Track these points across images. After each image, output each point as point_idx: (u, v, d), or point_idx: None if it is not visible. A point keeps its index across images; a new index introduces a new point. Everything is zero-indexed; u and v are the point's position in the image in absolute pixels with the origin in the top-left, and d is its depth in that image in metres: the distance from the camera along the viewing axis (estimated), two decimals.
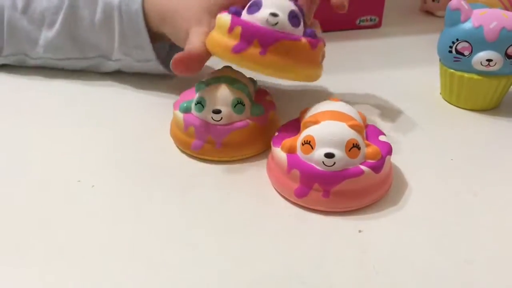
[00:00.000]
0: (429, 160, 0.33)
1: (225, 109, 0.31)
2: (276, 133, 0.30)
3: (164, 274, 0.24)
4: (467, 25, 0.36)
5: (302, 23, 0.31)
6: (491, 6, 0.46)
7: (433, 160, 0.33)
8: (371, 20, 0.57)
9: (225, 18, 0.30)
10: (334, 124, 0.27)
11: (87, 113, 0.39)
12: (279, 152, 0.29)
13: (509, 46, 0.35)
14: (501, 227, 0.27)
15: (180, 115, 0.32)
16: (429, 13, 0.63)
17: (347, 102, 0.31)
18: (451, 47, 0.37)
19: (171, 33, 0.36)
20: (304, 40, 0.29)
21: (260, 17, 0.29)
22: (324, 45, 0.32)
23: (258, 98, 0.34)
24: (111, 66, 0.42)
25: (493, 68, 0.36)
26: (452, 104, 0.40)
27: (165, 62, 0.40)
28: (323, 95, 0.41)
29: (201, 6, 0.35)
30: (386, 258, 0.25)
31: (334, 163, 0.26)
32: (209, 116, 0.31)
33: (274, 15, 0.29)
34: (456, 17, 0.37)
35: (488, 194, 0.29)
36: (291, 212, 0.28)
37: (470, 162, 0.33)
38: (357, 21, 0.56)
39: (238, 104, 0.31)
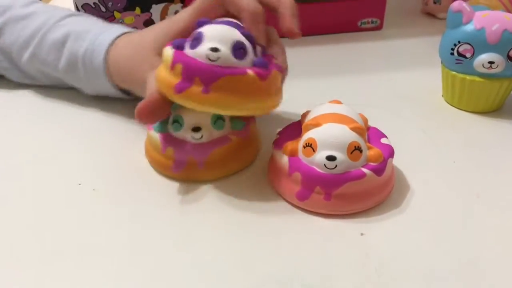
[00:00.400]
0: (431, 162, 0.33)
1: (205, 126, 0.29)
2: (278, 136, 0.30)
3: (164, 277, 0.24)
4: (469, 27, 0.36)
5: (250, 53, 0.28)
6: (492, 8, 0.47)
7: (435, 162, 0.33)
8: (372, 22, 0.57)
9: (167, 53, 0.28)
10: (335, 127, 0.27)
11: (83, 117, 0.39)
12: (280, 155, 0.29)
13: (511, 48, 0.35)
14: (504, 229, 0.27)
15: (156, 135, 0.30)
16: (431, 15, 0.63)
17: (349, 104, 0.31)
18: (453, 49, 0.37)
19: (135, 91, 0.35)
20: (250, 72, 0.27)
21: (200, 53, 0.27)
22: (282, 71, 0.30)
23: None
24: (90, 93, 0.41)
25: (495, 70, 0.36)
26: (454, 106, 0.40)
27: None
28: (325, 97, 0.41)
29: (151, 50, 0.32)
30: (388, 261, 0.25)
31: (336, 165, 0.26)
32: (188, 135, 0.29)
33: (214, 50, 0.26)
34: (458, 19, 0.37)
35: (490, 196, 0.29)
36: (292, 215, 0.28)
37: (473, 164, 0.33)
38: (359, 23, 0.56)
39: (218, 120, 0.29)
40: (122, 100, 0.40)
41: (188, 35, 0.29)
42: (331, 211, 0.27)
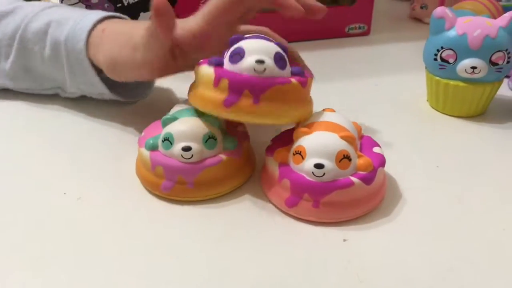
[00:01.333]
0: (415, 167, 0.33)
1: (196, 146, 0.28)
2: (270, 143, 0.31)
3: (151, 286, 0.24)
4: (452, 33, 0.37)
5: (287, 63, 0.29)
6: (477, 12, 0.48)
7: (418, 167, 0.33)
8: (360, 28, 0.57)
9: (207, 71, 0.28)
10: (325, 135, 0.28)
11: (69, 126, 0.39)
12: (271, 162, 0.29)
13: (493, 54, 0.36)
14: (486, 234, 0.27)
15: (147, 153, 0.29)
16: (418, 20, 0.64)
17: (336, 110, 0.31)
18: (436, 54, 0.38)
19: (120, 69, 0.33)
20: (294, 81, 0.28)
21: (246, 66, 0.27)
22: (312, 79, 0.31)
23: (230, 129, 0.31)
24: (73, 95, 0.41)
25: (477, 75, 0.37)
26: (439, 111, 0.40)
27: (123, 92, 0.38)
28: (315, 104, 0.42)
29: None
30: (370, 268, 0.25)
31: (324, 173, 0.27)
32: (178, 153, 0.28)
33: (260, 62, 0.27)
34: (441, 25, 0.37)
35: (472, 201, 0.30)
36: (281, 221, 0.28)
37: (455, 168, 0.33)
38: (346, 29, 0.57)
39: (209, 139, 0.29)
40: (113, 108, 0.40)
41: (200, 38, 0.30)
42: (319, 219, 0.28)
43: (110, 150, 0.35)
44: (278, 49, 0.29)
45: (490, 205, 0.30)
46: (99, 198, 0.30)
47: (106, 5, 0.49)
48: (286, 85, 0.28)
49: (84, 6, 0.49)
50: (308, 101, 0.31)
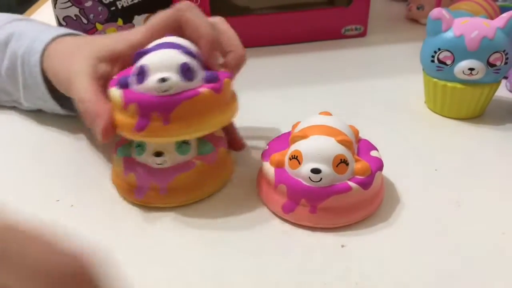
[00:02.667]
0: (414, 170, 0.33)
1: (168, 151, 0.28)
2: (267, 147, 0.30)
3: None
4: (449, 34, 0.37)
5: (198, 69, 0.27)
6: (474, 13, 0.47)
7: (417, 170, 0.33)
8: (356, 29, 0.57)
9: (116, 94, 0.27)
10: (322, 139, 0.27)
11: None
12: (267, 166, 0.29)
13: (490, 55, 0.36)
14: (485, 238, 0.27)
15: (120, 159, 0.29)
16: (414, 21, 0.64)
17: (334, 112, 0.31)
18: (433, 56, 0.37)
19: (62, 90, 0.33)
20: (204, 90, 0.27)
21: (150, 87, 0.26)
22: (232, 78, 0.29)
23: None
24: (30, 108, 0.40)
25: (475, 76, 0.36)
26: (436, 113, 0.40)
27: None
28: (307, 105, 0.41)
29: (89, 52, 0.31)
30: (369, 274, 0.25)
31: (321, 178, 0.26)
32: (150, 159, 0.28)
33: (163, 80, 0.26)
34: (438, 27, 0.37)
35: (471, 204, 0.30)
36: (278, 227, 0.28)
37: (455, 171, 0.33)
38: (342, 31, 0.57)
39: (182, 144, 0.28)
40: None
41: (140, 49, 0.29)
42: (316, 224, 0.27)
43: (99, 157, 0.35)
44: (184, 59, 0.27)
45: (489, 208, 0.29)
46: (92, 205, 0.30)
47: (100, 8, 0.49)
48: (195, 98, 0.26)
49: (78, 9, 0.48)
50: (227, 104, 0.29)
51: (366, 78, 0.47)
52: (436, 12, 0.37)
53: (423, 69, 0.40)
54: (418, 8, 0.62)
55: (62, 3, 0.48)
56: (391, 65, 0.50)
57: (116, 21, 0.50)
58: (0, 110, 0.41)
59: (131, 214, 0.29)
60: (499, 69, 0.37)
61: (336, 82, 0.47)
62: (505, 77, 0.44)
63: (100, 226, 0.28)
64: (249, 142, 0.34)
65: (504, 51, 0.36)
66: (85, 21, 0.49)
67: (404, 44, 0.55)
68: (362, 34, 0.57)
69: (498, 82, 0.38)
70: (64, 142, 0.37)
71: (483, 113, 0.40)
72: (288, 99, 0.43)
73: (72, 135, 0.38)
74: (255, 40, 0.54)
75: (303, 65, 0.51)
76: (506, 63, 0.36)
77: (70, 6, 0.48)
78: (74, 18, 0.49)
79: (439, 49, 0.37)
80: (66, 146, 0.36)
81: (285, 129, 0.32)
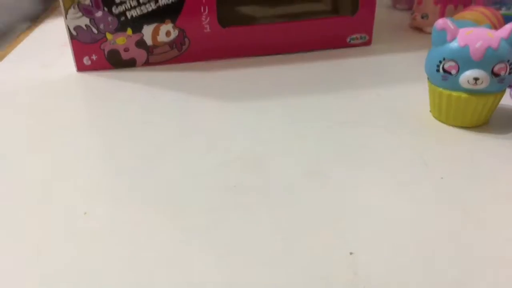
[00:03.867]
0: (420, 178, 0.33)
1: None
2: None
3: None
4: (454, 44, 0.37)
5: None
6: (478, 22, 0.48)
7: (423, 178, 0.33)
8: (361, 38, 0.58)
9: None
10: None
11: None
12: None
13: (495, 65, 0.36)
14: (494, 248, 0.27)
15: None
16: (419, 29, 0.64)
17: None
18: (438, 66, 0.38)
19: None
20: None
21: None
22: None
23: None
24: None
25: (480, 86, 0.37)
26: (442, 122, 0.40)
27: None
28: (313, 113, 0.42)
29: None
30: (378, 281, 0.25)
31: None
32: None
33: None
34: (443, 37, 0.38)
35: (479, 213, 0.30)
36: (281, 234, 0.28)
37: (460, 179, 0.33)
38: (348, 39, 0.57)
39: None
40: (118, 124, 0.40)
41: None
42: None
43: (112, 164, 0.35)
44: None
45: (497, 217, 0.30)
46: (105, 213, 0.30)
47: (109, 18, 0.50)
48: None
49: (88, 20, 0.50)
50: None
51: (371, 86, 0.48)
52: (441, 22, 0.38)
53: (427, 78, 0.40)
54: (422, 17, 0.63)
55: (73, 13, 0.49)
56: (396, 74, 0.51)
57: (126, 30, 0.51)
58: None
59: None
60: (504, 79, 0.37)
61: (341, 90, 0.47)
62: (510, 86, 0.45)
63: None
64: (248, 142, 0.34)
65: (508, 61, 0.36)
66: (95, 30, 0.50)
67: (409, 53, 0.56)
68: (367, 43, 0.58)
69: (503, 92, 0.39)
70: None
71: (488, 122, 0.40)
72: (292, 107, 0.43)
73: None
74: (260, 49, 0.55)
75: (308, 73, 0.51)
76: (510, 73, 0.37)
77: (81, 17, 0.49)
78: (85, 28, 0.50)
79: (444, 59, 0.37)
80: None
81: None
